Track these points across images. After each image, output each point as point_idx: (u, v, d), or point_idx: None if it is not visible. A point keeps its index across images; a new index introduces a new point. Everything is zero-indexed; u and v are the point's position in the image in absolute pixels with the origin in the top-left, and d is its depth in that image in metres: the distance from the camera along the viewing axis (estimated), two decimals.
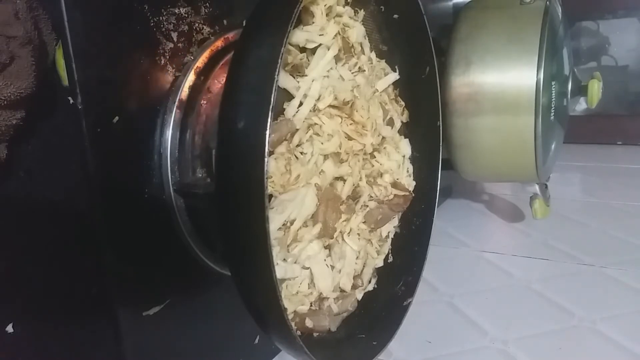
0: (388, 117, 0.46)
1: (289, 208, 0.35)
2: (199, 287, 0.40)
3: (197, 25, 0.38)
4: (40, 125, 0.30)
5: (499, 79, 0.66)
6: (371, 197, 0.44)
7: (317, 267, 0.38)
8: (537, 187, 0.82)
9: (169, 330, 0.37)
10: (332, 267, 0.40)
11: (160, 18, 0.35)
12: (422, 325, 0.53)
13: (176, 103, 0.36)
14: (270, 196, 0.34)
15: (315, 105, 0.37)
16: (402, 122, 0.47)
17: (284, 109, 0.36)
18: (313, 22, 0.37)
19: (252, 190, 0.27)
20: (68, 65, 0.29)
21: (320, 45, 0.38)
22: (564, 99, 0.75)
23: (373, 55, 0.44)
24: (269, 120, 0.26)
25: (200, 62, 0.37)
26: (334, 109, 0.39)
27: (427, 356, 0.49)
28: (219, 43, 0.38)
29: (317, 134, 0.37)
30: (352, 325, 0.41)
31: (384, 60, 0.45)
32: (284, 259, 0.36)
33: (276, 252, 0.35)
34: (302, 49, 0.37)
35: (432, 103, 0.47)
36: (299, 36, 0.36)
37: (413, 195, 0.47)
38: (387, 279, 0.46)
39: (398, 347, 0.49)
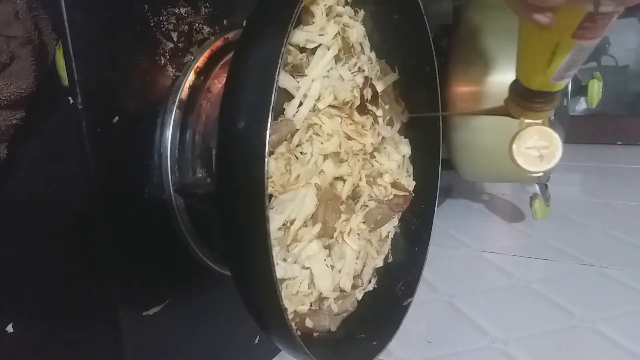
0: (388, 117, 0.46)
1: (289, 208, 0.35)
2: (199, 287, 0.40)
3: (197, 25, 0.38)
4: (40, 125, 0.30)
5: (499, 79, 0.66)
6: (371, 197, 0.44)
7: (317, 267, 0.38)
8: (537, 187, 0.82)
9: (169, 330, 0.37)
10: (332, 267, 0.40)
11: (160, 18, 0.35)
12: (422, 325, 0.53)
13: (176, 103, 0.36)
14: (270, 196, 0.34)
15: (315, 105, 0.37)
16: (402, 122, 0.47)
17: (284, 109, 0.36)
18: (313, 22, 0.37)
19: (252, 190, 0.27)
20: (68, 65, 0.29)
21: (320, 45, 0.38)
22: (564, 99, 0.75)
23: (373, 55, 0.44)
24: (269, 120, 0.26)
25: (200, 62, 0.37)
26: (333, 109, 0.39)
27: (427, 356, 0.49)
28: (219, 43, 0.38)
29: (317, 134, 0.37)
30: (352, 325, 0.41)
31: (384, 60, 0.45)
32: (284, 259, 0.36)
33: (276, 252, 0.35)
34: (302, 49, 0.37)
35: (432, 103, 0.47)
36: (299, 36, 0.36)
37: (413, 195, 0.47)
38: (387, 279, 0.46)
39: (398, 347, 0.49)
